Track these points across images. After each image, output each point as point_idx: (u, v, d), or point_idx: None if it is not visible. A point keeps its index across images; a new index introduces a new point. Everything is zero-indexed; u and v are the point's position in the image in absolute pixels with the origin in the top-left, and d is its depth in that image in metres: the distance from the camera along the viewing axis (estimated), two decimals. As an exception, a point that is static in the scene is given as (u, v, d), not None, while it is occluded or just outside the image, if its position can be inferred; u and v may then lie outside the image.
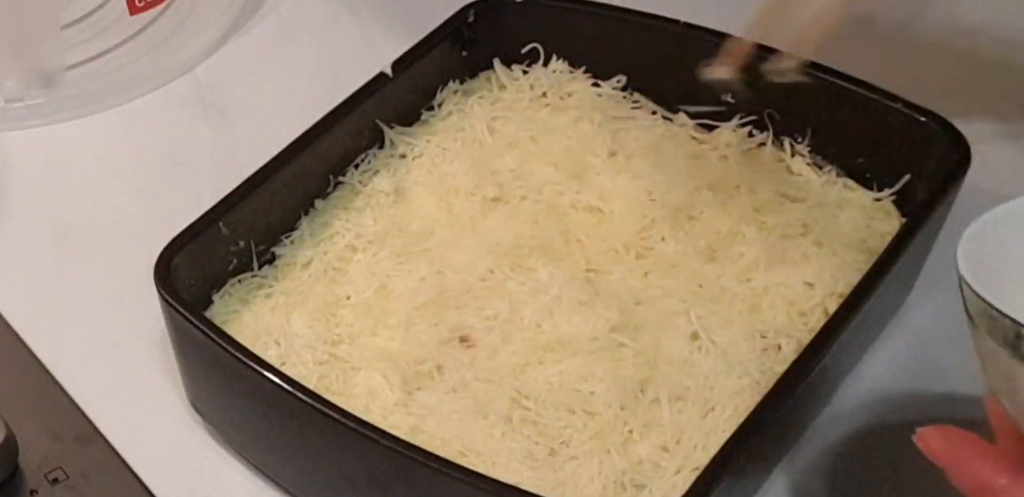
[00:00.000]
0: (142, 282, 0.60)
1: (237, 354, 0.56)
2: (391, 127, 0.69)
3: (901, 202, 0.67)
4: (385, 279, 0.64)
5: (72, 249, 0.72)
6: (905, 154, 0.66)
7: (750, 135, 0.70)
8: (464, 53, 0.72)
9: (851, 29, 0.62)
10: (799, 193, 0.68)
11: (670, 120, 0.71)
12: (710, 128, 0.70)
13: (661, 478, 0.57)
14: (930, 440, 0.50)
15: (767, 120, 0.69)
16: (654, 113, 0.72)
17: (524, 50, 0.73)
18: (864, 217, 0.66)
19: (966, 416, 0.65)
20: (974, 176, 0.64)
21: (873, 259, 0.61)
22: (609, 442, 0.58)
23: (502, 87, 0.72)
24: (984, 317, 0.46)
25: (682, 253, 0.65)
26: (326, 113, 0.66)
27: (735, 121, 0.70)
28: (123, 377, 0.67)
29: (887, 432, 0.64)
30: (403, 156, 0.69)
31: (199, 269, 0.62)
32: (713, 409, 0.59)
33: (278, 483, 0.62)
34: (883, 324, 0.67)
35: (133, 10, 0.80)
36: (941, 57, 0.81)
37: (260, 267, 0.65)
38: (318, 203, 0.67)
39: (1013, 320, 0.45)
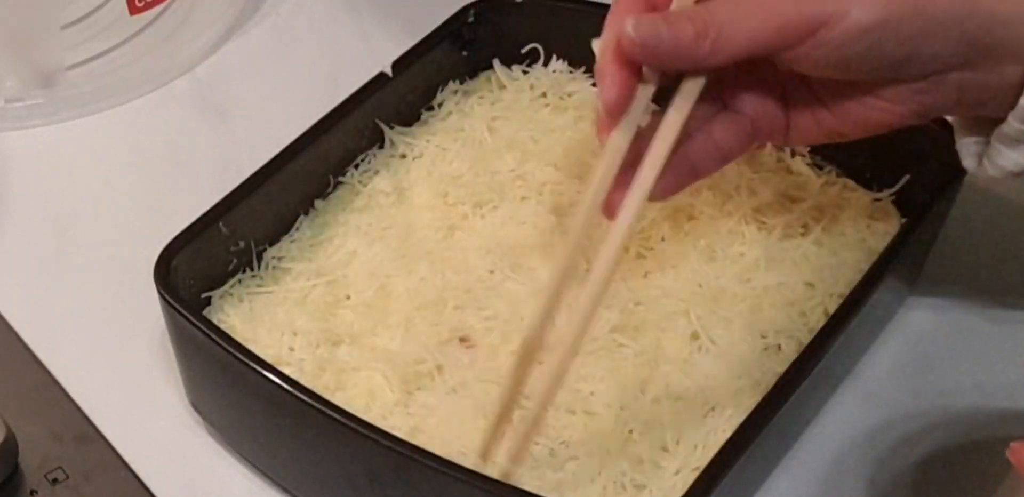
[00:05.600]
0: (142, 282, 0.60)
1: (237, 354, 0.56)
2: (391, 127, 0.69)
3: (901, 202, 0.67)
4: (385, 279, 0.64)
5: (72, 249, 0.72)
6: (905, 154, 0.66)
7: (750, 135, 0.70)
8: (464, 53, 0.72)
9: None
10: (799, 193, 0.67)
11: (670, 120, 0.71)
12: (710, 128, 0.70)
13: (661, 478, 0.57)
14: None
15: (767, 120, 0.69)
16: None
17: (524, 50, 0.73)
18: (864, 217, 0.66)
19: (965, 415, 0.65)
20: (974, 176, 0.64)
21: (873, 259, 0.61)
22: (609, 442, 0.58)
23: (502, 87, 0.72)
24: None
25: (682, 253, 0.65)
26: (326, 113, 0.66)
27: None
28: (123, 377, 0.67)
29: (887, 432, 0.64)
30: (403, 156, 0.70)
31: (199, 269, 0.62)
32: (713, 409, 0.59)
33: (278, 483, 0.62)
34: (883, 324, 0.67)
35: (133, 10, 0.80)
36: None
37: (260, 267, 0.65)
38: (318, 203, 0.67)
39: None
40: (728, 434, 0.55)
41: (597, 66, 0.53)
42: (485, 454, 0.55)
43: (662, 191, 0.55)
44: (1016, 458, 0.50)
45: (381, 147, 0.69)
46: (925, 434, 0.64)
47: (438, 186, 0.68)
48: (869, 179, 0.68)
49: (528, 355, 0.53)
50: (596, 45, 0.54)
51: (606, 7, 0.71)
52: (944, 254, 0.69)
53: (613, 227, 0.53)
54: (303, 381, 0.56)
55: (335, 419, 0.54)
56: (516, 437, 0.54)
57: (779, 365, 0.59)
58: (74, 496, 0.62)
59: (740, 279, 0.64)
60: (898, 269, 0.61)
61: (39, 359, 0.67)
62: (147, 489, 0.62)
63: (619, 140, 0.53)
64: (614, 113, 0.53)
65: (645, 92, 0.53)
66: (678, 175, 0.55)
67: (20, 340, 0.68)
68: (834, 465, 0.63)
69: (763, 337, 0.62)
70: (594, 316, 0.53)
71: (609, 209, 0.54)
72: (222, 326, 0.60)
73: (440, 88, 0.72)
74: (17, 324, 0.69)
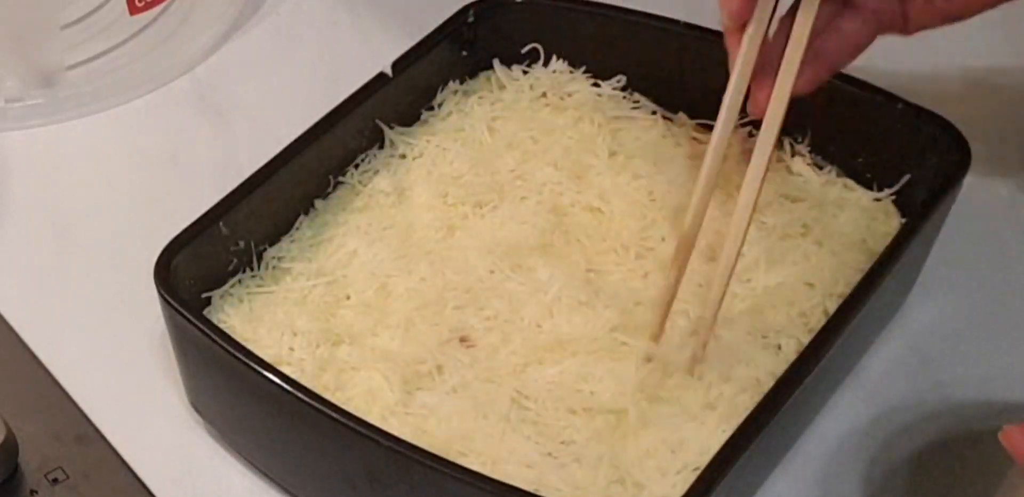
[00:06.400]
0: (142, 282, 0.60)
1: (237, 354, 0.56)
2: (391, 127, 0.69)
3: (901, 202, 0.67)
4: (385, 279, 0.64)
5: (72, 249, 0.72)
6: (905, 154, 0.66)
7: (750, 135, 0.70)
8: (464, 53, 0.72)
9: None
10: (799, 193, 0.67)
11: (670, 120, 0.71)
12: (710, 128, 0.70)
13: (661, 478, 0.57)
14: (1016, 439, 0.50)
15: (767, 120, 0.69)
16: (654, 113, 0.71)
17: (524, 50, 0.73)
18: (864, 217, 0.66)
19: (965, 415, 0.65)
20: (974, 176, 0.64)
21: (873, 259, 0.61)
22: (609, 442, 0.58)
23: (502, 87, 0.72)
24: None
25: (682, 253, 0.65)
26: (326, 113, 0.66)
27: (735, 121, 0.70)
28: (123, 377, 0.67)
29: (887, 432, 0.64)
30: (403, 156, 0.70)
31: (199, 269, 0.62)
32: (714, 409, 0.59)
33: (278, 483, 0.62)
34: (883, 324, 0.67)
35: (133, 10, 0.80)
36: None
37: (260, 267, 0.65)
38: (318, 203, 0.67)
39: None
40: (728, 434, 0.55)
41: None
42: (656, 336, 0.61)
43: (805, 83, 0.60)
44: (1008, 441, 0.50)
45: (381, 147, 0.69)
46: (926, 432, 0.64)
47: (438, 186, 0.68)
48: (869, 179, 0.68)
49: (684, 252, 0.61)
50: None
51: (606, 7, 0.71)
52: (944, 254, 0.69)
53: (766, 119, 0.59)
54: (303, 381, 0.56)
55: (335, 419, 0.54)
56: (695, 339, 0.60)
57: (779, 365, 0.59)
58: (74, 496, 0.62)
59: (740, 279, 0.64)
60: (898, 269, 0.61)
61: (39, 359, 0.67)
62: (147, 489, 0.62)
63: (754, 33, 0.58)
64: (742, 17, 0.58)
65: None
66: (816, 68, 0.60)
67: (20, 340, 0.68)
68: (834, 465, 0.63)
69: (763, 337, 0.62)
70: (753, 212, 0.59)
71: (756, 106, 0.60)
72: (222, 326, 0.60)
73: (440, 88, 0.71)
74: (17, 324, 0.69)
